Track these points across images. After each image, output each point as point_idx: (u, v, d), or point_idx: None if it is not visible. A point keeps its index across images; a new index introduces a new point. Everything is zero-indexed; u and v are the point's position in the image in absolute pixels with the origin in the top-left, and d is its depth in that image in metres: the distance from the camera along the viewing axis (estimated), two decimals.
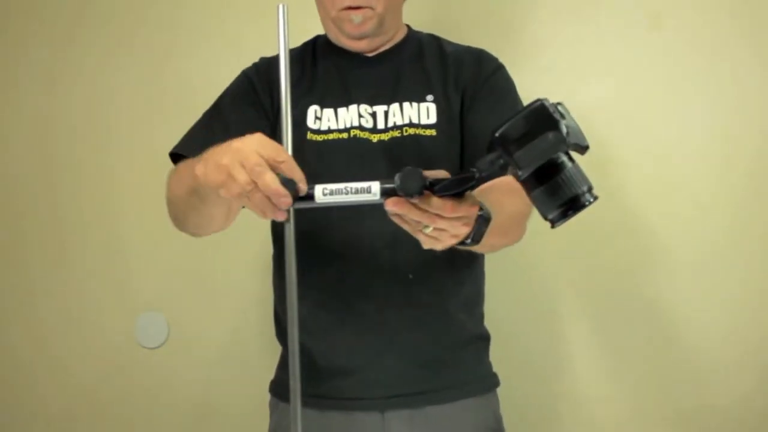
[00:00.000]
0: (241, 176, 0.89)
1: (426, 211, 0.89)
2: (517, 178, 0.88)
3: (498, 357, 1.38)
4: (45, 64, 1.94)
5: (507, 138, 0.84)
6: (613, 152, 1.72)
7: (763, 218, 1.70)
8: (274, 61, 1.34)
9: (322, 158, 1.26)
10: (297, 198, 0.91)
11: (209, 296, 1.89)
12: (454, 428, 1.27)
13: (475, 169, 0.88)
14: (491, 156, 0.87)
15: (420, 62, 1.33)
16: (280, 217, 0.92)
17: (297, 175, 0.91)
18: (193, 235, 1.25)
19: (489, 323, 1.38)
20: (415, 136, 1.26)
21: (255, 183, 0.89)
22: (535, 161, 0.84)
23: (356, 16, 1.27)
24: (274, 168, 0.90)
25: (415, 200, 0.88)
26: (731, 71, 1.71)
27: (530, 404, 1.74)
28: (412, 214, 0.90)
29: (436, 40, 1.38)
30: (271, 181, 0.89)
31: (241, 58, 1.85)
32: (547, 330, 1.78)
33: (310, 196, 0.92)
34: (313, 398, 1.26)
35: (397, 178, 0.89)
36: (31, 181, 1.94)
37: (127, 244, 1.91)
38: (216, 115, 1.34)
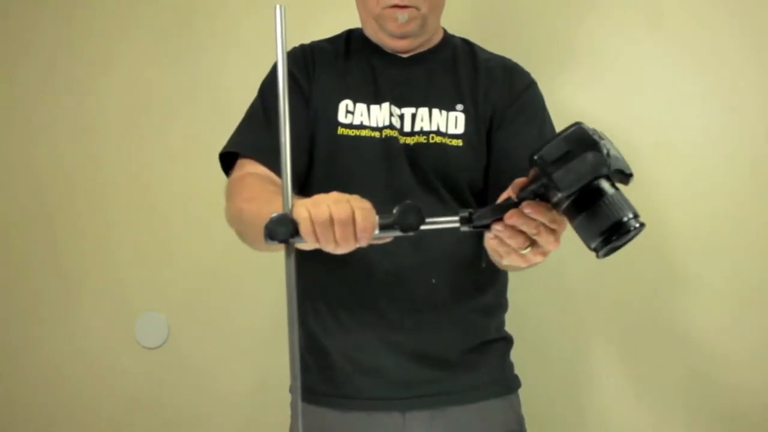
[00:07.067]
0: (323, 209, 0.90)
1: (534, 221, 0.89)
2: (558, 206, 0.86)
3: (521, 359, 1.38)
4: (37, 66, 1.94)
5: (546, 159, 0.83)
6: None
7: (764, 217, 1.70)
8: (311, 47, 1.35)
9: (354, 154, 1.26)
10: (295, 234, 0.90)
11: (209, 296, 1.89)
12: (476, 429, 1.27)
13: (515, 198, 0.88)
14: (533, 186, 0.86)
15: (453, 69, 1.33)
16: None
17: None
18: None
19: (513, 325, 1.38)
20: (441, 145, 1.26)
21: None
22: (575, 183, 0.82)
23: (402, 14, 1.27)
24: None
25: (527, 210, 0.88)
26: (731, 71, 1.71)
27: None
28: (529, 226, 0.89)
29: (469, 47, 1.38)
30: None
31: (240, 59, 1.86)
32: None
33: None
34: (333, 398, 1.27)
35: (396, 211, 0.89)
36: (29, 181, 1.94)
37: (127, 244, 1.91)
38: (260, 110, 1.31)
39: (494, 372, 1.32)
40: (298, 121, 1.26)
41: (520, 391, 1.36)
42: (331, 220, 0.89)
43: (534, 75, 1.37)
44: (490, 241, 0.94)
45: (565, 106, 1.71)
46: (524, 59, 1.39)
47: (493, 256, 0.99)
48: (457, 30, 1.43)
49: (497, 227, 0.90)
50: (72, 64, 1.93)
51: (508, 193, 0.92)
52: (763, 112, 1.69)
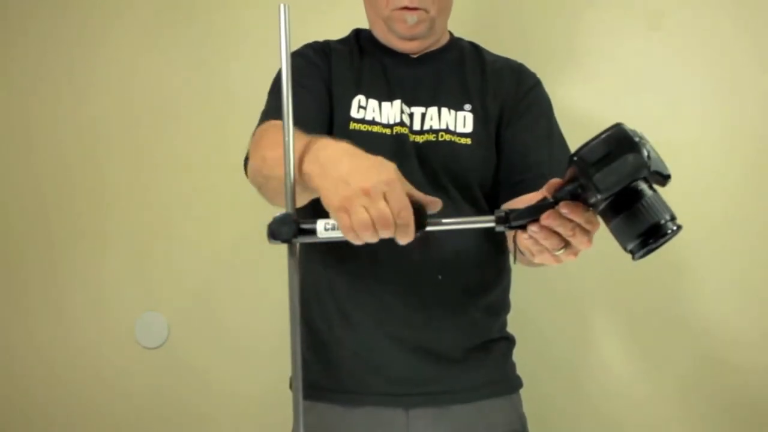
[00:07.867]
0: (361, 215, 0.86)
1: (570, 222, 0.89)
2: (594, 207, 0.86)
3: (523, 359, 1.38)
4: (33, 66, 1.94)
5: (586, 160, 0.81)
6: None
7: (761, 216, 1.70)
8: (326, 43, 1.36)
9: (365, 150, 1.24)
10: (299, 232, 0.89)
11: (209, 296, 1.89)
12: (478, 428, 1.27)
13: (551, 199, 0.88)
14: (570, 187, 0.85)
15: (460, 70, 1.35)
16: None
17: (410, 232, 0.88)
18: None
19: (515, 325, 1.39)
20: (450, 143, 1.27)
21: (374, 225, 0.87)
22: (615, 184, 0.81)
23: (411, 16, 1.28)
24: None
25: (564, 211, 0.87)
26: (731, 71, 1.71)
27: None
28: (564, 228, 0.89)
29: (476, 49, 1.40)
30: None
31: (241, 58, 1.86)
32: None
33: (312, 231, 0.90)
34: (337, 394, 1.27)
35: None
36: (27, 182, 1.94)
37: (127, 244, 1.91)
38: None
39: (497, 371, 1.32)
40: (321, 97, 1.28)
41: (522, 391, 1.36)
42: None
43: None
44: (524, 241, 0.93)
45: (565, 106, 1.71)
46: (524, 59, 1.40)
47: (525, 254, 0.99)
48: (457, 30, 1.43)
49: (533, 228, 0.90)
50: (71, 62, 1.93)
51: (543, 194, 0.92)
52: (763, 112, 1.69)
